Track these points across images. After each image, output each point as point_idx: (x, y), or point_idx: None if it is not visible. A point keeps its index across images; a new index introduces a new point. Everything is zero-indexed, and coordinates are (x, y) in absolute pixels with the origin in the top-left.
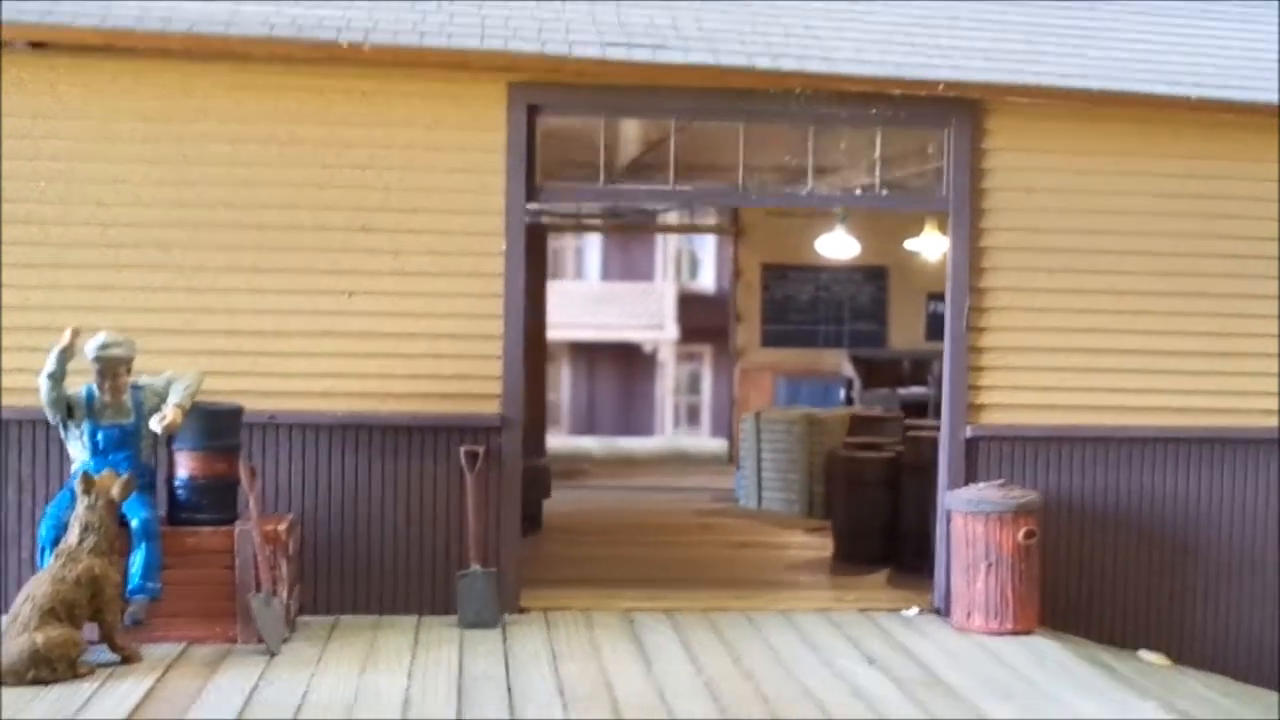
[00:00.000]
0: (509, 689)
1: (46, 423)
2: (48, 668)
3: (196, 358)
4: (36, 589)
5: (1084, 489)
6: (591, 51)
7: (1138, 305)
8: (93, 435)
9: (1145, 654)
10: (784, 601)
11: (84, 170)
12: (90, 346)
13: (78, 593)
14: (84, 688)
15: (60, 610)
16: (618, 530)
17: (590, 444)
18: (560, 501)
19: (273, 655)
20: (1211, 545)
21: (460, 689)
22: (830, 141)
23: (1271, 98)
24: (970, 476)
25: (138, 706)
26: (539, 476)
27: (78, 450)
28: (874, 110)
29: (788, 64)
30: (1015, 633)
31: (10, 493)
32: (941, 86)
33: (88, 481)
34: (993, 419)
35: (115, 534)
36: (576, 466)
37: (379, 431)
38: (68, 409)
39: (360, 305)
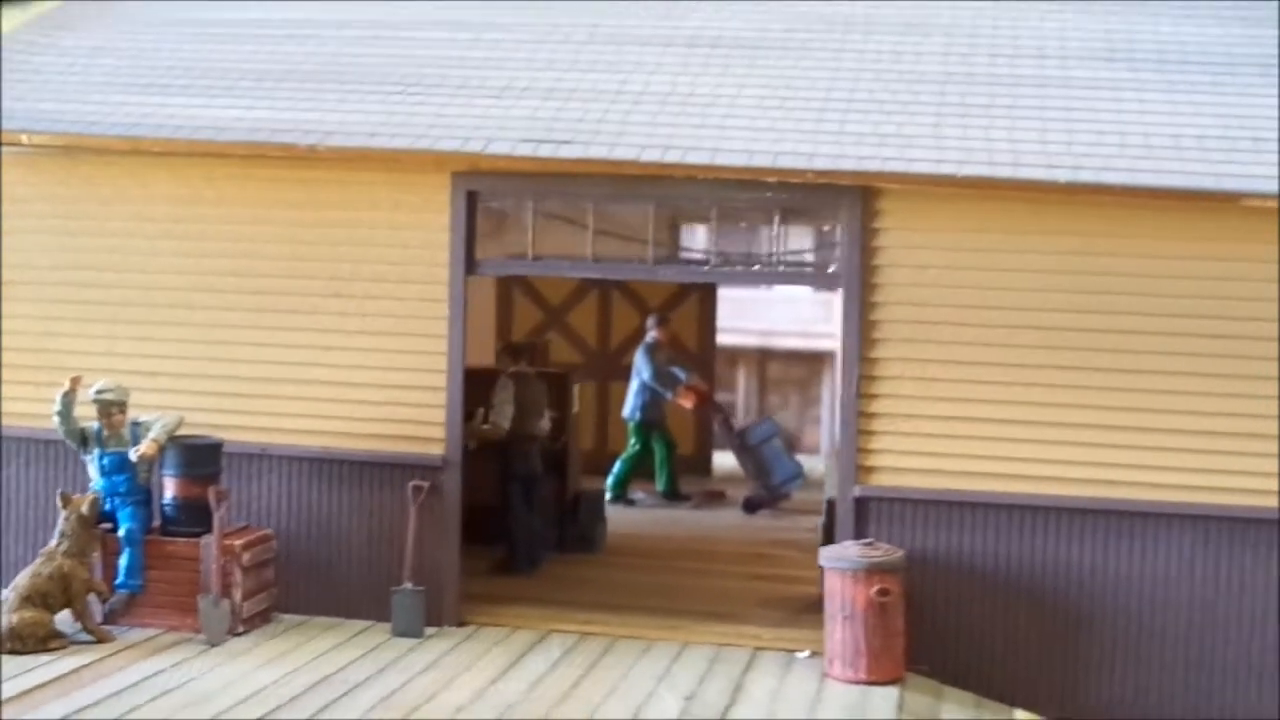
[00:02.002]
0: (349, 690)
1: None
2: (19, 642)
3: (209, 397)
4: (20, 580)
5: (973, 553)
6: (502, 148)
7: (1027, 377)
8: (100, 460)
9: (1021, 714)
10: (703, 635)
11: (132, 245)
12: (91, 391)
13: (50, 585)
14: (43, 659)
15: (35, 598)
16: (660, 555)
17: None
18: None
19: (212, 646)
20: (1108, 617)
21: (311, 686)
22: (732, 223)
23: (1152, 180)
24: (860, 534)
25: (61, 677)
26: (598, 505)
27: (93, 471)
28: (769, 194)
29: (671, 156)
30: (870, 683)
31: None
32: (810, 175)
33: (64, 498)
34: (882, 481)
35: (87, 541)
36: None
37: (347, 465)
38: (83, 439)
39: (333, 359)
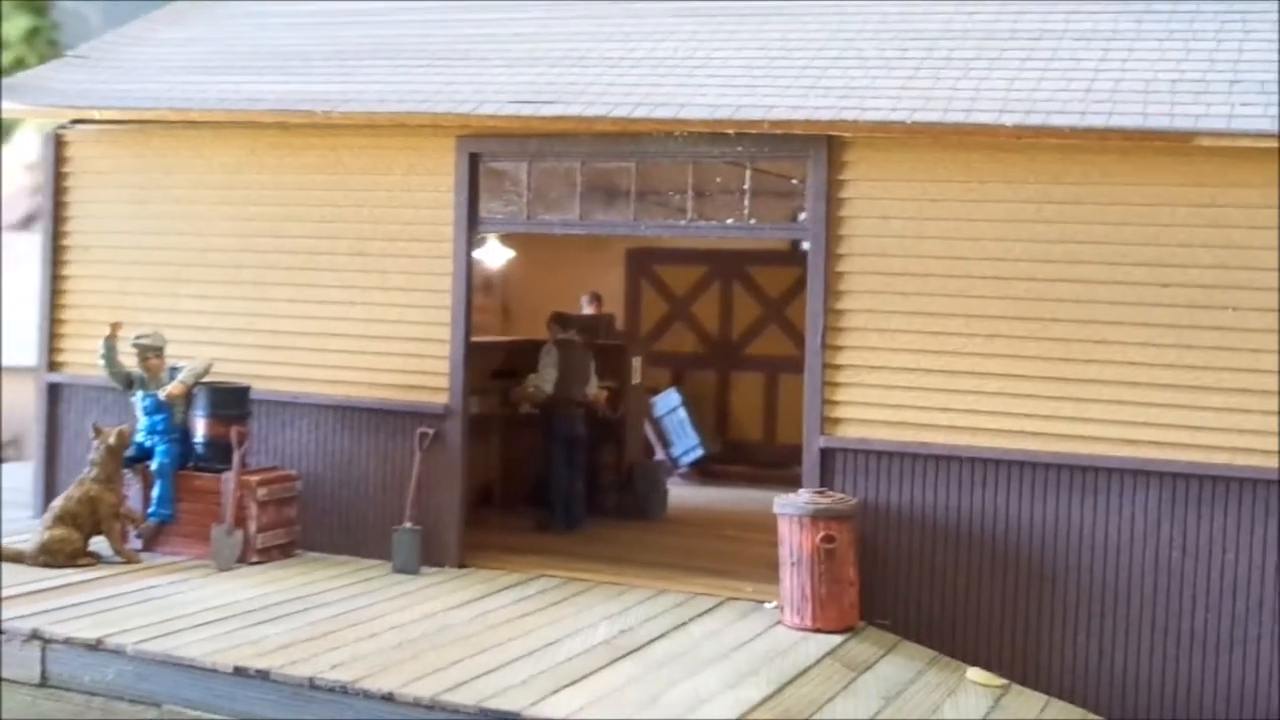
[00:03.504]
0: (308, 608)
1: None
2: (49, 556)
3: (252, 349)
4: (55, 502)
5: (937, 506)
6: (490, 109)
7: (990, 329)
8: (142, 401)
9: (973, 672)
10: (682, 585)
11: (192, 210)
12: (131, 338)
13: (80, 508)
14: (68, 572)
15: (66, 519)
16: (712, 524)
17: None
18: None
19: (220, 570)
20: (1071, 573)
21: (277, 603)
22: (708, 177)
23: (1101, 121)
24: (826, 485)
25: (69, 585)
26: (654, 474)
27: (138, 412)
28: (740, 148)
29: (640, 111)
30: (816, 630)
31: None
32: (766, 125)
33: (96, 430)
34: (847, 432)
35: (114, 469)
36: None
37: (365, 413)
38: (128, 381)
39: (355, 314)
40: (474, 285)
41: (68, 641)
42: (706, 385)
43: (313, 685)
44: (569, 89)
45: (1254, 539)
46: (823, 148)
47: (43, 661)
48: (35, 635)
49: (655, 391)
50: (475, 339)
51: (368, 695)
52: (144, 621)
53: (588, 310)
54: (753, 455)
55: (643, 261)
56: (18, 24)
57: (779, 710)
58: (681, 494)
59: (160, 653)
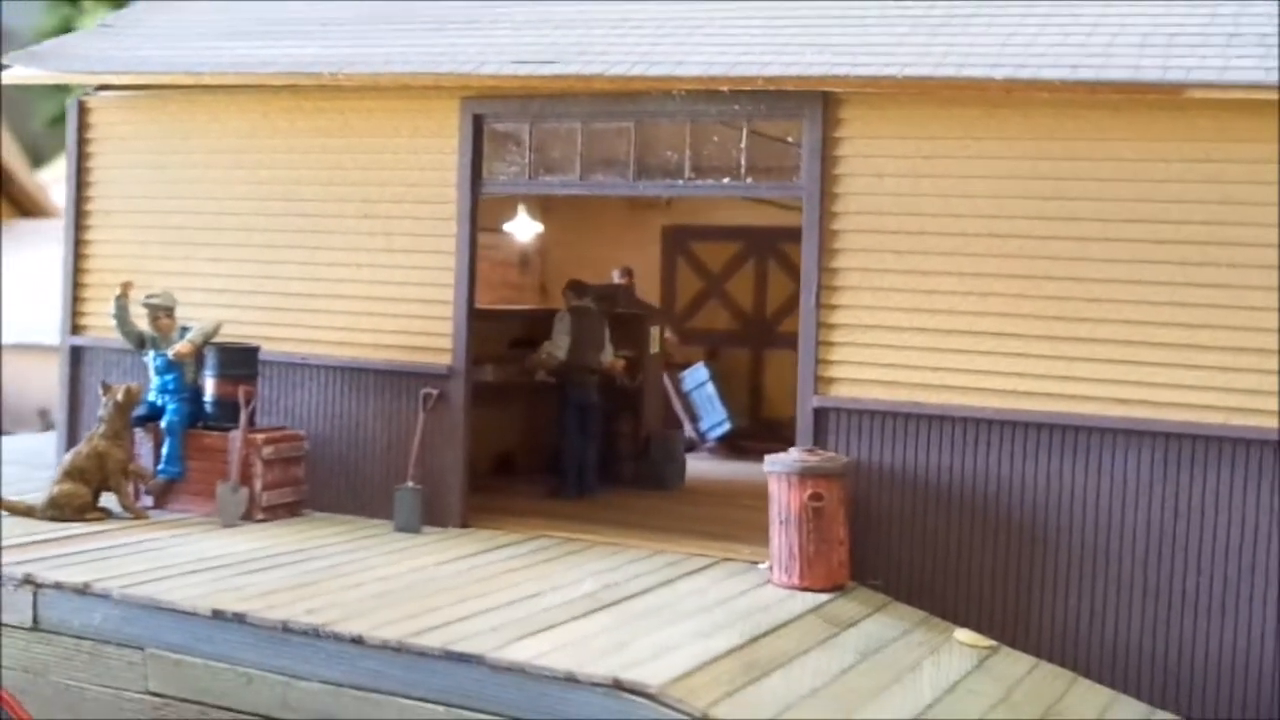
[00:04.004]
0: (301, 561)
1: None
2: (58, 510)
3: (264, 311)
4: (65, 458)
5: (929, 465)
6: (490, 70)
7: (983, 287)
8: (154, 360)
9: (961, 633)
10: (680, 546)
11: (208, 175)
12: (142, 298)
13: (88, 463)
14: (75, 526)
15: (75, 474)
16: (727, 494)
17: None
18: None
19: (224, 526)
20: (1062, 535)
21: (272, 555)
22: (705, 136)
23: (1092, 74)
24: (819, 444)
25: (72, 536)
26: (671, 445)
27: (150, 371)
28: (737, 106)
29: (637, 69)
30: (804, 588)
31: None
32: (760, 81)
33: (105, 387)
34: (840, 392)
35: (121, 425)
36: None
37: (372, 375)
38: (141, 341)
39: (363, 275)
40: (510, 262)
41: (58, 586)
42: (740, 362)
43: (286, 628)
44: (569, 49)
45: (1247, 501)
46: (818, 105)
47: (34, 606)
48: (28, 580)
49: (683, 365)
50: (494, 307)
51: (338, 638)
52: (135, 569)
53: (619, 284)
54: (784, 432)
55: (679, 238)
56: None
57: (744, 660)
58: (706, 467)
59: (144, 597)
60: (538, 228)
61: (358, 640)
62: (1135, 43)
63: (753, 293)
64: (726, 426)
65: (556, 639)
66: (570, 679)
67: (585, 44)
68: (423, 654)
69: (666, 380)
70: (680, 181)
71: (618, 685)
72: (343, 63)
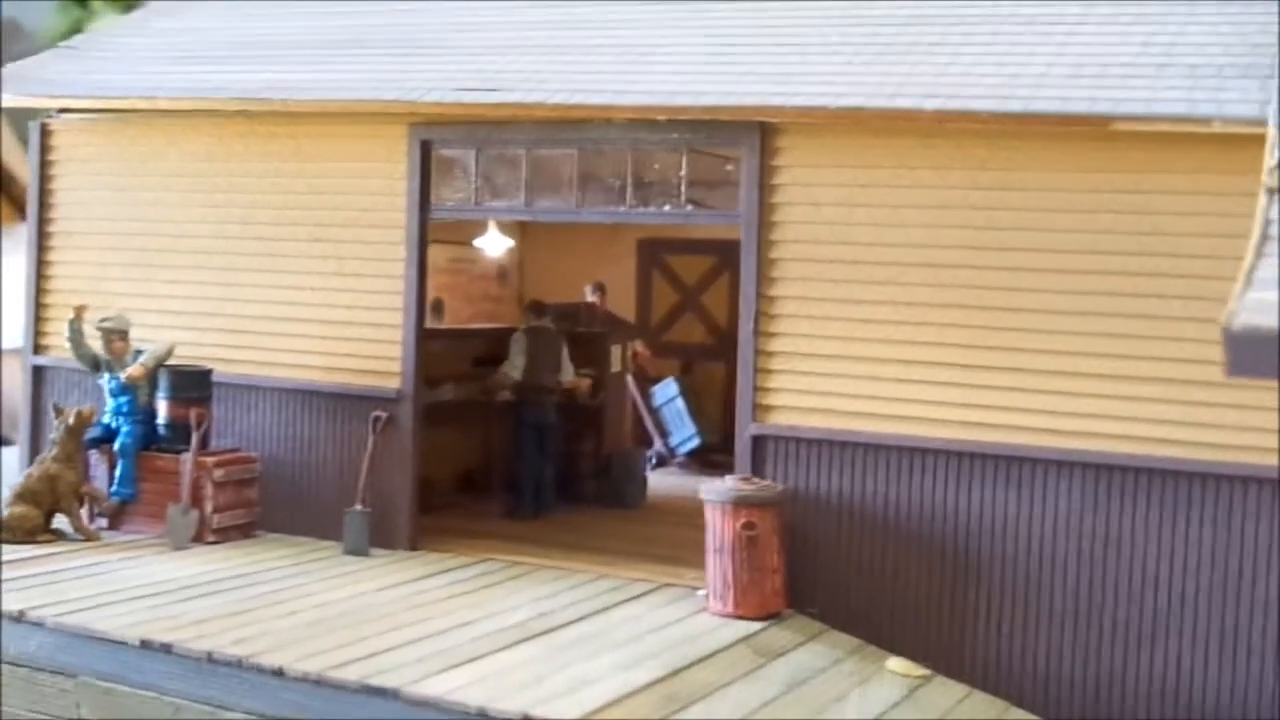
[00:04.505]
0: (241, 586)
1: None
2: (9, 533)
3: (220, 334)
4: (17, 480)
5: (865, 493)
6: (434, 97)
7: (918, 316)
8: (109, 383)
9: (893, 662)
10: (627, 571)
11: (166, 198)
12: (96, 321)
13: (40, 485)
14: (25, 549)
15: (27, 496)
16: (687, 513)
17: None
18: None
19: (175, 549)
20: (995, 563)
21: (214, 580)
22: (646, 164)
23: (1021, 106)
24: (757, 472)
25: (20, 560)
26: (631, 463)
27: (105, 394)
28: (676, 135)
29: (577, 98)
30: (738, 616)
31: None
32: (696, 111)
33: (57, 410)
34: (777, 420)
35: (73, 448)
36: None
37: (323, 398)
38: (95, 364)
39: (315, 299)
40: (489, 275)
41: None
42: (715, 377)
43: (210, 659)
44: (515, 76)
45: (1175, 532)
46: (755, 134)
47: None
48: None
49: (654, 379)
50: (456, 326)
51: (260, 670)
52: (74, 595)
53: (591, 299)
54: None
55: (654, 251)
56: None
57: (663, 694)
58: (672, 483)
59: (77, 625)
60: (509, 243)
61: (279, 673)
62: (1067, 73)
63: (727, 306)
64: (696, 442)
65: (477, 672)
66: (482, 714)
67: (531, 72)
68: (341, 687)
69: (636, 395)
70: (623, 208)
71: None
72: (294, 88)
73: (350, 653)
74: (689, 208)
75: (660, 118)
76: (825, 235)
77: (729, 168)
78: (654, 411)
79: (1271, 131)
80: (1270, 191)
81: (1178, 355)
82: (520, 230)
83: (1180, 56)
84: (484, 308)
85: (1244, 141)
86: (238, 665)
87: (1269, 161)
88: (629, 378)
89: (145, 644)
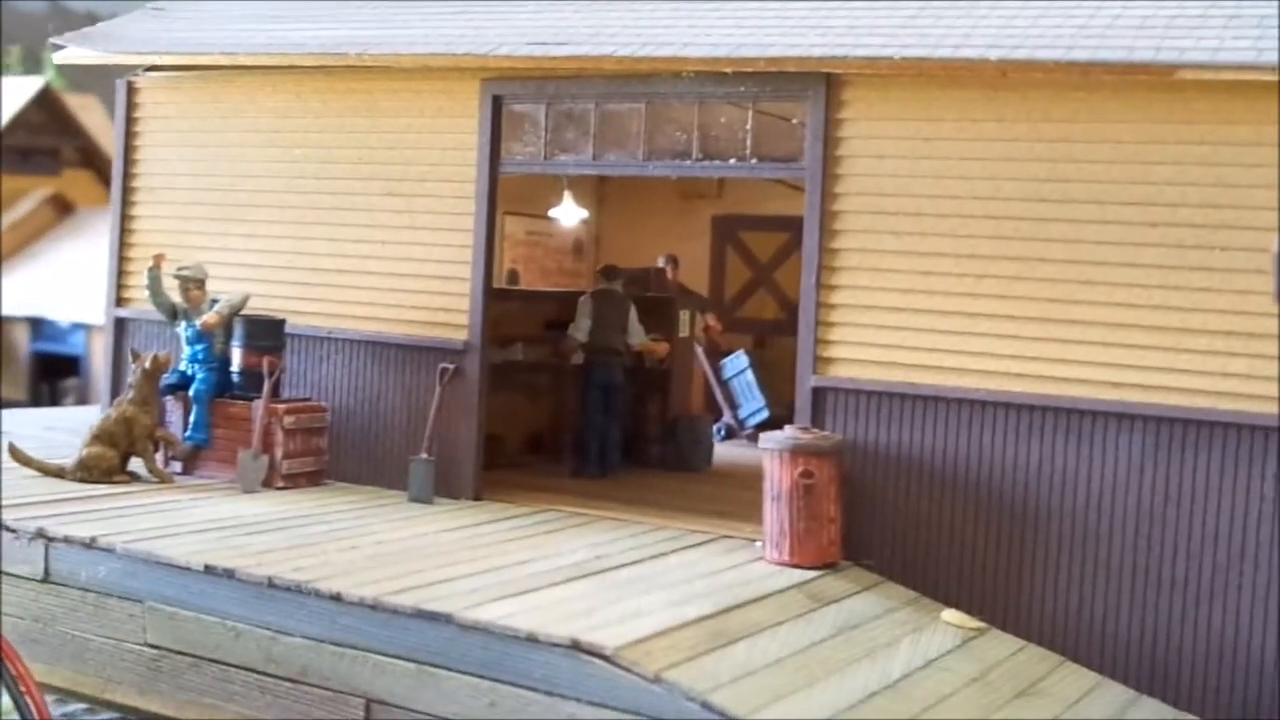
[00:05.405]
0: (304, 525)
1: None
2: (86, 471)
3: (294, 286)
4: (95, 422)
5: (923, 446)
6: (504, 51)
7: (979, 269)
8: (185, 331)
9: (949, 613)
10: (682, 522)
11: (244, 153)
12: (174, 270)
13: (117, 428)
14: (102, 487)
15: (104, 437)
16: (751, 478)
17: None
18: None
19: (244, 492)
20: (1053, 517)
21: (279, 518)
22: (713, 117)
23: (1086, 55)
24: (817, 424)
25: (97, 495)
26: (698, 427)
27: (182, 340)
28: (743, 88)
29: (645, 50)
30: (794, 565)
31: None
32: (762, 63)
33: (134, 355)
34: (839, 372)
35: (149, 392)
36: None
37: (394, 349)
38: (173, 312)
39: (387, 252)
40: (565, 249)
41: (66, 540)
42: (787, 351)
43: (271, 584)
44: (584, 30)
45: (1237, 486)
46: (821, 87)
47: (46, 558)
48: (40, 534)
49: (725, 352)
50: (529, 288)
51: (318, 594)
52: (143, 526)
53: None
54: None
55: (728, 227)
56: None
57: (711, 629)
58: (740, 453)
59: (144, 552)
60: (583, 213)
61: (336, 597)
62: (1134, 25)
63: (800, 283)
64: (765, 414)
65: (530, 603)
66: (531, 639)
67: (600, 26)
68: (396, 611)
69: (707, 367)
70: (688, 162)
71: (576, 646)
72: (369, 43)
73: (406, 582)
74: (754, 162)
75: (727, 69)
76: (889, 188)
77: (795, 122)
78: (724, 384)
79: None
80: None
81: (1241, 308)
82: (596, 204)
83: (1249, 9)
84: (559, 280)
85: None
86: (297, 590)
87: None
88: (699, 350)
89: (209, 569)
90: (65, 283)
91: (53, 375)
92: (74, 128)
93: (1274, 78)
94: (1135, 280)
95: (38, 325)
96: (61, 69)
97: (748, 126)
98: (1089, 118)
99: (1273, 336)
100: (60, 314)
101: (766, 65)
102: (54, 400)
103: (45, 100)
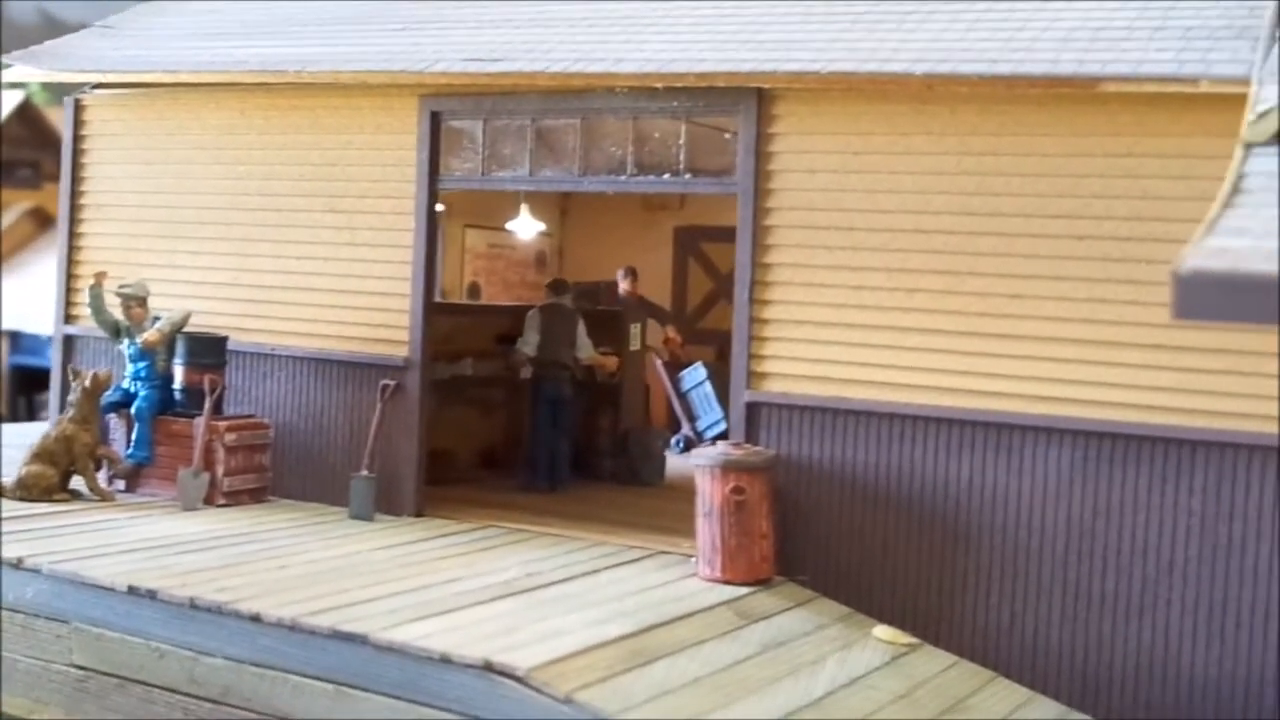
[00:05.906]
0: (238, 544)
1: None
2: (25, 490)
3: (238, 303)
4: (35, 441)
5: (856, 461)
6: (440, 68)
7: (910, 283)
8: (127, 348)
9: (880, 629)
10: (620, 538)
11: (190, 170)
12: (114, 288)
13: (57, 446)
14: (41, 506)
15: (43, 456)
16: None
17: None
18: None
19: (184, 510)
20: (984, 532)
21: (212, 537)
22: (647, 132)
23: (1010, 69)
24: (751, 439)
25: (37, 515)
26: (649, 441)
27: (125, 358)
28: (676, 103)
29: (577, 66)
30: (725, 581)
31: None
32: (691, 77)
33: (74, 373)
34: (772, 387)
35: (89, 410)
36: None
37: (336, 365)
38: (116, 330)
39: (329, 269)
40: (527, 262)
41: None
42: None
43: (193, 605)
44: (521, 47)
45: (1165, 500)
46: (752, 101)
47: None
48: None
49: (684, 364)
50: (478, 302)
51: (238, 615)
52: (73, 546)
53: (623, 285)
54: None
55: (690, 239)
56: None
57: (631, 648)
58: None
59: (71, 573)
60: (540, 226)
61: (256, 618)
62: (1060, 38)
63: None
64: (723, 426)
65: (449, 622)
66: (445, 660)
67: (536, 43)
68: (313, 632)
69: (666, 380)
70: (623, 177)
71: (489, 667)
72: (309, 61)
73: (328, 602)
74: (688, 177)
75: (658, 85)
76: (820, 202)
77: (727, 136)
78: (682, 396)
79: (1253, 87)
80: (1246, 145)
81: (1169, 321)
82: (559, 216)
83: (1175, 20)
84: (521, 293)
85: (1235, 103)
86: (217, 611)
87: (1248, 116)
88: (658, 362)
89: (132, 590)
90: (44, 296)
91: (31, 389)
92: (55, 141)
93: (1196, 89)
94: (1063, 294)
95: (16, 339)
96: (45, 83)
97: (681, 141)
98: (1016, 131)
99: (1199, 350)
100: (39, 327)
101: (697, 80)
102: (31, 415)
103: (26, 114)
